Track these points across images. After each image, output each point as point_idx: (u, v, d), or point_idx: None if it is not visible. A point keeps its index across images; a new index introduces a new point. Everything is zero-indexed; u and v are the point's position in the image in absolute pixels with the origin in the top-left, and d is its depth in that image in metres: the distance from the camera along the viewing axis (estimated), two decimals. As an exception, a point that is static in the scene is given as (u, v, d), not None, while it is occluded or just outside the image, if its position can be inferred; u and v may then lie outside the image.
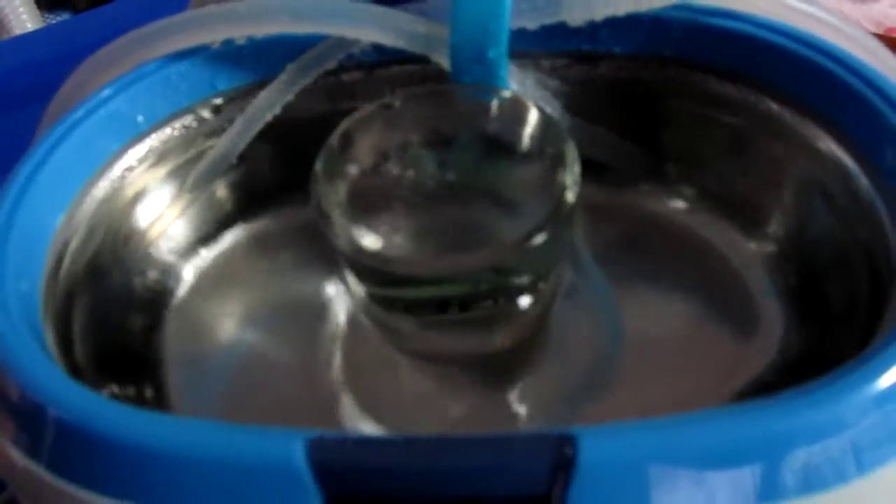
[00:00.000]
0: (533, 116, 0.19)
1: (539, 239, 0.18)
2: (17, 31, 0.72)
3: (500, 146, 0.20)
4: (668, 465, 0.13)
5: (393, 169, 0.20)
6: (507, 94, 0.20)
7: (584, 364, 0.22)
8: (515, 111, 0.20)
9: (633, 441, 0.13)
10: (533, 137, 0.19)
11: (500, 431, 0.14)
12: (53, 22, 0.81)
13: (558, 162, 0.19)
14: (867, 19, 0.55)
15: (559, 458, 0.13)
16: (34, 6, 0.74)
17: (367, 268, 0.18)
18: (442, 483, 0.14)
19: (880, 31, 0.52)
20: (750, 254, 0.22)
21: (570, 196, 0.18)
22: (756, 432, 0.14)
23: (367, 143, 0.20)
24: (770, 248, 0.22)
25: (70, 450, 0.15)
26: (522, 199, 0.20)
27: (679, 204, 0.23)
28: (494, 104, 0.20)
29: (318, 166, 0.19)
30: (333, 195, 0.19)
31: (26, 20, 0.72)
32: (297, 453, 0.14)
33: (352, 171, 0.19)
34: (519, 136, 0.20)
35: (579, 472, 0.13)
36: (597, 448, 0.13)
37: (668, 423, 0.14)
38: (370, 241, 0.19)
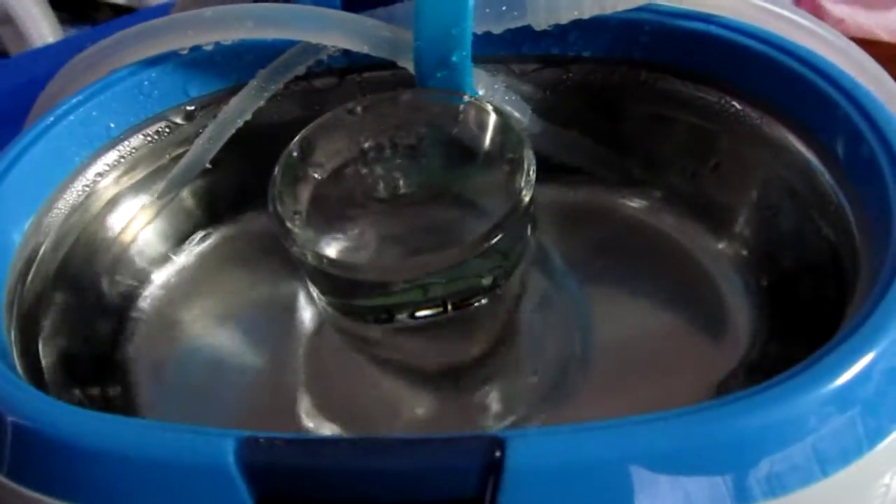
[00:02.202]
0: (492, 120, 0.19)
1: (498, 237, 0.18)
2: (39, 44, 0.74)
3: (460, 150, 0.20)
4: (597, 469, 0.13)
5: (353, 175, 0.20)
6: (467, 98, 0.20)
7: (553, 368, 0.21)
8: (475, 116, 0.20)
9: (563, 445, 0.13)
10: (492, 141, 0.19)
11: (432, 434, 0.14)
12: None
13: (515, 164, 0.19)
14: (881, 27, 0.54)
15: (489, 462, 0.13)
16: (55, 19, 0.76)
17: (332, 277, 0.18)
18: (372, 485, 0.14)
19: (894, 40, 0.51)
20: (721, 255, 0.22)
21: (526, 196, 0.18)
22: (689, 436, 0.13)
23: (327, 150, 0.20)
24: (740, 248, 0.21)
25: (24, 454, 0.15)
26: (481, 201, 0.20)
27: (650, 206, 0.23)
28: (455, 109, 0.20)
29: (277, 176, 0.19)
30: (293, 204, 0.19)
31: (47, 35, 0.74)
32: (227, 453, 0.14)
33: (312, 179, 0.19)
34: (478, 140, 0.20)
35: (509, 474, 0.13)
36: (526, 451, 0.13)
37: (598, 427, 0.14)
38: (333, 249, 0.19)
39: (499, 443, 0.13)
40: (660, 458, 0.13)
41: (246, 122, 0.23)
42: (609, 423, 0.14)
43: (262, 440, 0.14)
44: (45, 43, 0.73)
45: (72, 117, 0.21)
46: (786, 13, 0.20)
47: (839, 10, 0.62)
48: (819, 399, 0.14)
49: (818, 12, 0.63)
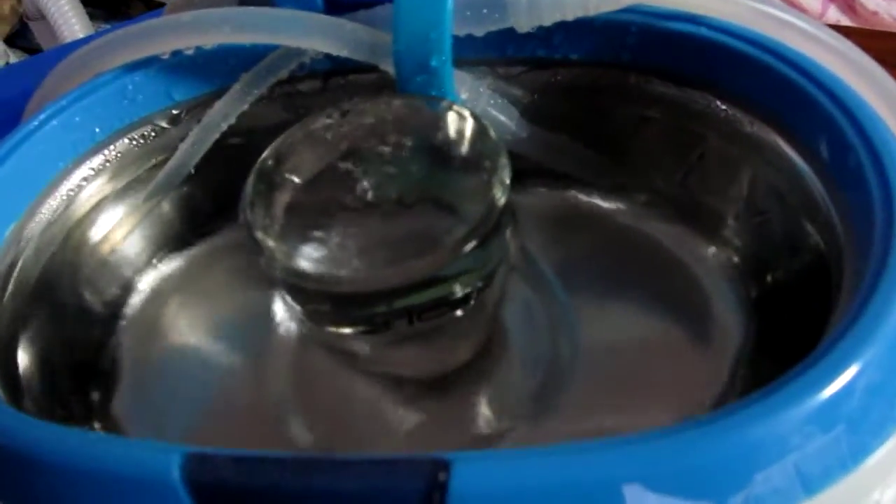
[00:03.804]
0: (469, 127, 0.19)
1: (475, 242, 0.17)
2: (70, 41, 0.75)
3: (438, 157, 0.19)
4: (550, 496, 0.13)
5: (329, 182, 0.19)
6: (445, 104, 0.20)
7: (538, 376, 0.21)
8: (453, 122, 0.19)
9: (508, 469, 0.13)
10: (469, 147, 0.19)
11: (378, 454, 0.14)
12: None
13: (490, 169, 0.18)
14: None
15: (433, 483, 0.13)
16: (86, 16, 0.77)
17: (304, 289, 0.18)
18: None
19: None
20: (711, 261, 0.21)
21: (501, 200, 0.18)
22: (651, 461, 0.13)
23: (303, 157, 0.19)
24: (731, 255, 0.21)
25: None
26: (459, 207, 0.19)
27: (639, 211, 0.22)
28: (433, 115, 0.20)
29: (249, 184, 0.19)
30: (267, 213, 0.19)
31: (78, 31, 0.75)
32: (172, 468, 0.13)
33: (287, 187, 0.19)
34: (456, 146, 0.19)
35: (453, 498, 0.13)
36: (471, 474, 0.13)
37: (552, 451, 0.13)
38: (307, 261, 0.18)
39: (443, 465, 0.13)
40: (619, 484, 0.13)
41: (230, 127, 0.22)
42: (565, 448, 0.13)
43: (208, 456, 0.14)
44: (75, 39, 0.74)
45: (55, 122, 0.21)
46: (778, 13, 0.19)
47: (874, 3, 0.60)
48: (800, 416, 0.13)
49: (853, 4, 0.61)
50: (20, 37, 0.91)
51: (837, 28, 0.20)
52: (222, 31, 0.20)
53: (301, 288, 0.18)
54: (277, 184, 0.19)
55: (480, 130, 0.19)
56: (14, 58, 0.90)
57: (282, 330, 0.22)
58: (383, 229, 0.20)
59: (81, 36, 0.76)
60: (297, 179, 0.19)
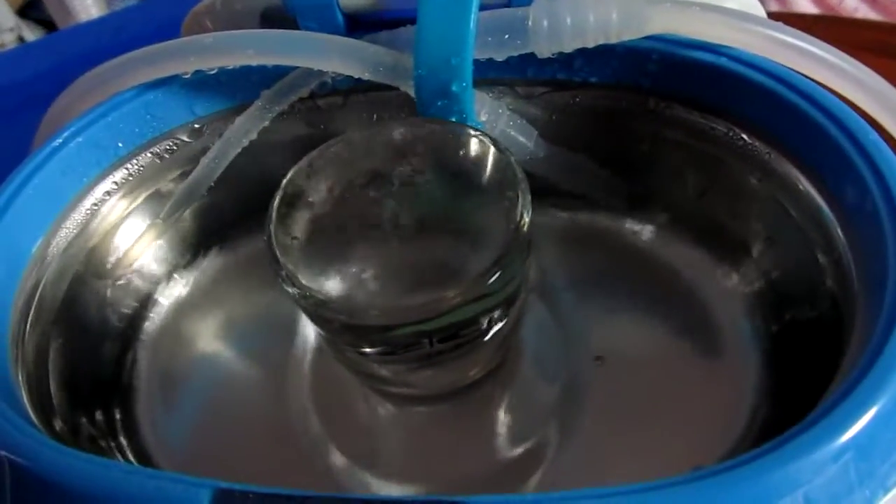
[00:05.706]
0: (492, 155, 0.19)
1: (498, 273, 0.18)
2: (83, 17, 0.75)
3: (459, 184, 0.20)
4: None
5: (351, 206, 0.20)
6: (469, 131, 0.20)
7: (553, 394, 0.22)
8: (475, 150, 0.19)
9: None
10: (490, 176, 0.19)
11: (401, 496, 0.14)
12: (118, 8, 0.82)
13: (512, 199, 0.18)
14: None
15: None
16: (99, -8, 0.76)
17: (334, 319, 0.18)
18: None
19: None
20: (731, 290, 0.21)
21: (523, 230, 0.18)
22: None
23: (325, 180, 0.20)
24: (749, 287, 0.21)
25: (19, 491, 0.15)
26: (479, 235, 0.19)
27: (655, 233, 0.23)
28: (456, 142, 0.20)
29: (272, 212, 0.18)
30: (290, 236, 0.19)
31: (90, 5, 0.75)
32: (202, 503, 0.14)
33: (309, 211, 0.19)
34: (477, 174, 0.19)
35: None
36: (488, 518, 0.13)
37: (564, 498, 0.14)
38: (329, 288, 0.18)
39: (462, 508, 0.13)
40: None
41: (251, 141, 0.23)
42: (583, 493, 0.13)
43: (236, 493, 0.14)
44: (88, 14, 0.74)
45: (80, 139, 0.21)
46: (798, 42, 0.19)
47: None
48: (814, 464, 0.13)
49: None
50: (33, 8, 0.90)
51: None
52: (245, 54, 0.20)
53: (327, 318, 0.18)
54: (300, 207, 0.19)
55: (503, 160, 0.19)
56: (27, 30, 0.89)
57: (302, 342, 0.23)
58: (405, 256, 0.20)
59: (94, 11, 0.75)
60: (319, 203, 0.20)
